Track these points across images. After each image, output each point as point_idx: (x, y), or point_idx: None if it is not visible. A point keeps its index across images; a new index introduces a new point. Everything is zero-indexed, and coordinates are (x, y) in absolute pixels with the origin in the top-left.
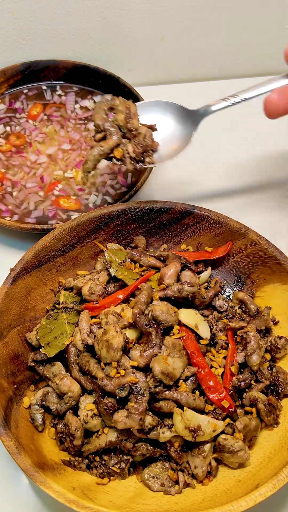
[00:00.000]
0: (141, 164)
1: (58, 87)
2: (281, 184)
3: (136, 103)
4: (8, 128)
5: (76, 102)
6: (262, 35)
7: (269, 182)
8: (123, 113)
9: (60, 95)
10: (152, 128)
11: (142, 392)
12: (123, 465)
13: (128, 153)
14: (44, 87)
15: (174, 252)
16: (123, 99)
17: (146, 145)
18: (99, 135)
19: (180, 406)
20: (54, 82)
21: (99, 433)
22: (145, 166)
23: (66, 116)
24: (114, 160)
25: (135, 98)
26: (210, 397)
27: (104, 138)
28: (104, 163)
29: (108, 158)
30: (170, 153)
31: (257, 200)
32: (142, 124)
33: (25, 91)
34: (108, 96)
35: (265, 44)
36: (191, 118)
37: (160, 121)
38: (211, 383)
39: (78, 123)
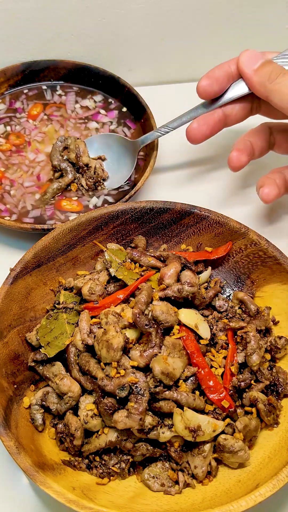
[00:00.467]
0: (95, 191)
1: (58, 87)
2: None
3: (85, 140)
4: (8, 128)
5: (77, 102)
6: (262, 35)
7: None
8: (74, 152)
9: (60, 95)
10: (101, 158)
11: (142, 392)
12: (123, 465)
13: (82, 186)
14: (44, 87)
15: (174, 252)
16: (74, 138)
17: (97, 176)
18: (57, 174)
19: (180, 406)
20: (54, 82)
21: (99, 433)
22: (98, 194)
23: (66, 116)
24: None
25: (135, 98)
26: (210, 397)
27: (62, 175)
28: None
29: (69, 190)
30: (119, 180)
31: None
32: (92, 158)
33: (25, 91)
34: (61, 138)
35: (265, 44)
36: (132, 147)
37: (108, 151)
38: (211, 383)
39: (78, 122)
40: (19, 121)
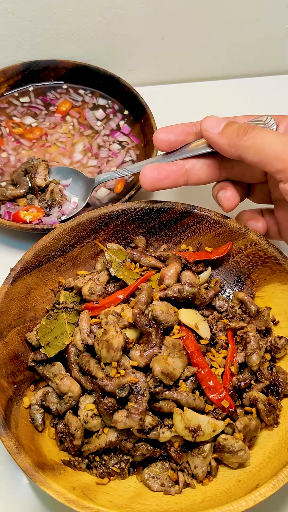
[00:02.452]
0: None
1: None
2: None
3: (52, 167)
4: (29, 120)
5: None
6: (262, 35)
7: None
8: (32, 172)
9: (84, 102)
10: (54, 182)
11: (142, 392)
12: (123, 465)
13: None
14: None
15: (174, 252)
16: (40, 160)
17: (52, 200)
18: (11, 186)
19: (180, 406)
20: (55, 83)
21: (99, 433)
22: (56, 222)
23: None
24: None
25: (135, 98)
26: (210, 397)
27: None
28: None
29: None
30: (71, 210)
31: None
32: (53, 181)
33: (65, 86)
34: (31, 158)
35: (265, 44)
36: (89, 183)
37: (67, 182)
38: (211, 383)
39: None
40: (45, 115)
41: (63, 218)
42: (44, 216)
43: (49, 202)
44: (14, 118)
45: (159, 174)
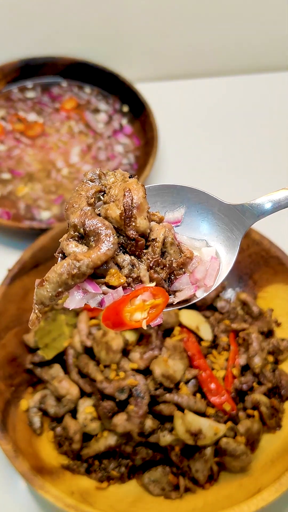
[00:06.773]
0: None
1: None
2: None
3: (146, 186)
4: (33, 117)
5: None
6: (264, 30)
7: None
8: (118, 204)
9: (89, 101)
10: (157, 218)
11: (142, 395)
12: (122, 469)
13: (139, 280)
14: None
15: None
16: (120, 174)
17: (170, 262)
18: (74, 245)
19: (181, 409)
20: (53, 79)
21: (98, 436)
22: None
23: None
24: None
25: (135, 94)
26: (212, 400)
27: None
28: None
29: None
30: (211, 282)
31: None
32: (155, 217)
33: (64, 84)
34: (91, 173)
35: (267, 39)
36: (233, 215)
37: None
38: (212, 385)
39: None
40: (49, 112)
41: (202, 296)
42: (170, 303)
43: (168, 267)
44: (20, 113)
45: None
